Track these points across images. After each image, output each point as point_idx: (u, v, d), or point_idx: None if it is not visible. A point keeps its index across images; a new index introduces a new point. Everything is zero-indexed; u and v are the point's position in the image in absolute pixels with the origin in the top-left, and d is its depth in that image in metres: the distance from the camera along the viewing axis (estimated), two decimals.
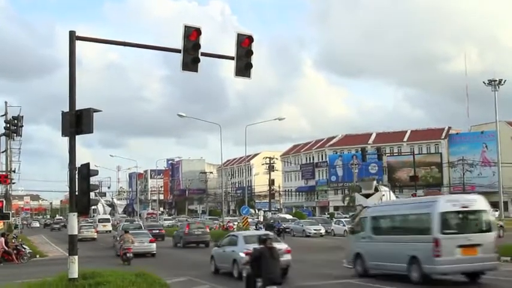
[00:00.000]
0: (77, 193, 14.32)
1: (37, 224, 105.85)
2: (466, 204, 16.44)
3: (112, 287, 13.64)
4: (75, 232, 14.69)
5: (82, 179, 14.39)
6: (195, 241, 38.56)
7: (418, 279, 16.01)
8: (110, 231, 59.92)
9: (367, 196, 34.52)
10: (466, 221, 16.65)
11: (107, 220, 68.45)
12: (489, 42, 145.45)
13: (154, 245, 31.71)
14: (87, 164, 14.51)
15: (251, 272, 12.50)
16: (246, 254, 16.33)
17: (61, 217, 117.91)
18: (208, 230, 41.92)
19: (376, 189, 35.70)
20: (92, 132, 14.56)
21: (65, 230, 74.27)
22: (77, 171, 14.38)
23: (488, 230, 16.37)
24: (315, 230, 48.27)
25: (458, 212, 16.33)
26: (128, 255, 26.30)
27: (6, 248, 29.54)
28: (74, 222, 14.62)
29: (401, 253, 16.59)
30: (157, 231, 46.15)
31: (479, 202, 16.82)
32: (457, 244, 15.51)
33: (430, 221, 15.91)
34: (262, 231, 25.50)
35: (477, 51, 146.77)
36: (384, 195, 35.07)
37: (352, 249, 19.35)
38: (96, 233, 54.12)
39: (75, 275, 14.06)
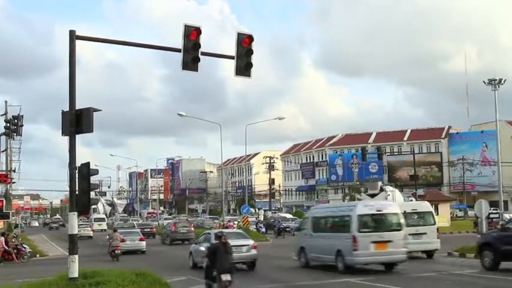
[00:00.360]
0: (77, 192, 14.34)
1: (36, 224, 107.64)
2: (379, 208, 20.10)
3: (112, 286, 13.64)
4: (76, 231, 14.69)
5: (82, 178, 14.39)
6: (180, 238, 40.93)
7: (342, 268, 19.18)
8: (105, 230, 61.87)
9: (373, 196, 35.67)
10: (379, 222, 19.81)
11: (102, 219, 71.67)
12: (488, 42, 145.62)
13: (144, 243, 33.59)
14: (87, 164, 14.51)
15: (209, 263, 14.41)
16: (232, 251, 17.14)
17: (59, 216, 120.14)
18: (192, 228, 43.82)
19: (382, 190, 36.65)
20: (92, 131, 14.57)
21: (62, 229, 78.63)
22: (77, 171, 14.39)
23: (398, 229, 19.53)
24: None
25: (372, 215, 19.78)
26: (116, 252, 28.30)
27: (7, 248, 29.53)
28: (74, 222, 14.63)
29: (331, 247, 19.86)
30: (149, 229, 50.89)
31: (391, 207, 20.78)
32: (371, 240, 18.84)
33: (351, 222, 19.26)
34: (228, 230, 29.84)
35: (476, 50, 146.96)
36: (389, 195, 35.61)
37: (298, 244, 22.79)
38: (92, 232, 56.48)
39: (76, 275, 14.07)
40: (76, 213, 14.50)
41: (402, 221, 19.98)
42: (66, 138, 14.76)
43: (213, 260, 14.25)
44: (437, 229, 24.93)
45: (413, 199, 43.98)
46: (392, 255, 19.21)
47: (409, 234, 21.35)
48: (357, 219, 19.15)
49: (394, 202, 23.95)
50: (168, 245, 40.97)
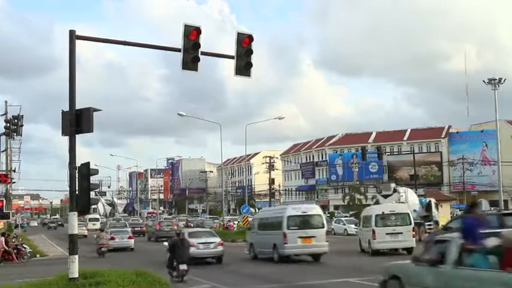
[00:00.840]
0: (77, 192, 14.34)
1: (35, 223, 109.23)
2: (305, 210, 25.05)
3: (112, 286, 13.63)
4: (76, 231, 14.66)
5: (82, 178, 14.38)
6: (164, 236, 42.40)
7: (277, 259, 23.80)
8: (102, 230, 63.73)
9: (386, 197, 37.80)
10: (305, 221, 24.24)
11: (97, 219, 75.07)
12: (488, 41, 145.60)
13: (132, 240, 36.85)
14: (87, 163, 14.51)
15: (170, 255, 18.60)
16: (189, 245, 21.35)
17: (57, 216, 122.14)
18: (175, 227, 47.04)
19: (395, 191, 38.16)
20: (92, 131, 14.59)
21: (60, 228, 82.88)
22: (77, 171, 14.39)
23: (321, 227, 24.21)
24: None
25: (299, 216, 24.35)
26: (102, 249, 31.07)
27: (6, 248, 29.51)
28: (74, 222, 14.61)
29: (269, 242, 24.46)
30: (139, 228, 55.81)
31: (315, 209, 25.96)
32: (298, 236, 23.44)
33: (282, 222, 23.75)
34: (199, 229, 35.17)
35: (476, 49, 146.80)
36: (402, 195, 37.12)
37: (249, 241, 27.60)
38: (86, 231, 58.90)
39: (76, 275, 14.06)
40: (76, 213, 14.51)
41: (324, 220, 24.93)
42: (66, 138, 14.75)
43: (172, 253, 18.36)
44: (413, 229, 27.13)
45: (428, 199, 44.41)
46: (316, 247, 23.80)
47: (386, 234, 25.78)
48: (286, 220, 23.72)
49: (314, 205, 29.63)
50: (153, 242, 44.51)
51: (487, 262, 9.40)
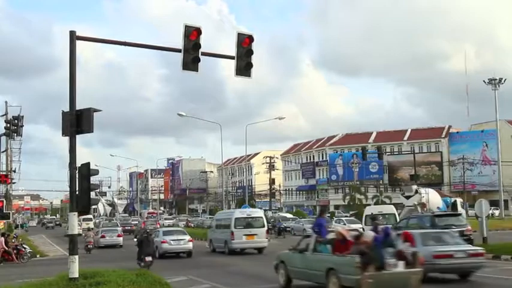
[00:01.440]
0: (77, 192, 14.34)
1: (34, 223, 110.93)
2: (249, 214, 31.39)
3: (112, 286, 13.62)
4: (76, 232, 14.68)
5: (82, 178, 14.37)
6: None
7: (227, 252, 29.24)
8: (92, 228, 66.76)
9: (408, 198, 39.51)
10: (249, 222, 30.03)
11: (90, 219, 79.50)
12: (487, 41, 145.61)
13: (121, 238, 41.46)
14: (88, 164, 14.50)
15: (139, 249, 23.23)
16: (162, 242, 28.84)
17: (54, 216, 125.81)
18: (159, 226, 54.64)
19: (416, 192, 39.41)
20: (93, 131, 14.58)
21: (58, 228, 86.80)
22: (77, 171, 14.39)
23: (262, 227, 29.94)
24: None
25: (244, 218, 30.23)
26: (88, 246, 35.49)
27: (6, 248, 29.51)
28: (74, 222, 14.62)
29: (222, 238, 30.22)
30: (129, 227, 60.81)
31: (258, 212, 32.36)
32: (243, 234, 29.17)
33: (231, 222, 29.52)
34: (171, 228, 41.73)
35: (475, 49, 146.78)
36: (423, 196, 38.42)
37: (209, 237, 33.42)
38: (81, 230, 59.55)
39: (76, 275, 14.06)
40: (76, 213, 14.51)
41: (265, 222, 30.90)
42: (66, 139, 14.75)
43: (140, 247, 23.13)
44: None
45: (454, 199, 45.53)
46: (258, 243, 29.59)
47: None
48: (234, 221, 29.48)
49: (258, 209, 37.57)
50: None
51: (326, 249, 14.36)
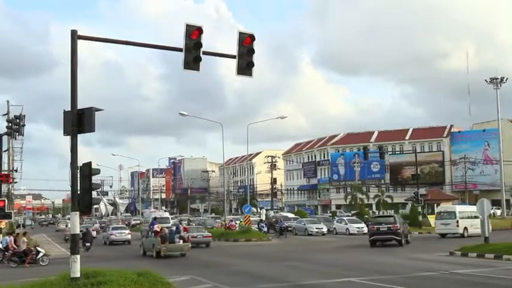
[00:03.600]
0: (79, 192, 14.32)
1: (31, 222, 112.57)
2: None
3: (114, 286, 13.58)
4: (78, 231, 14.68)
5: (84, 178, 14.35)
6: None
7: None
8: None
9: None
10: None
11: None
12: (487, 39, 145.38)
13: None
14: (89, 163, 14.47)
15: (82, 238, 30.55)
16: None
17: (49, 216, 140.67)
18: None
19: None
20: (94, 131, 14.52)
21: (51, 226, 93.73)
22: (78, 170, 14.36)
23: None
24: (317, 228, 48.30)
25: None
26: (66, 238, 42.58)
27: (15, 247, 28.82)
28: (76, 221, 14.60)
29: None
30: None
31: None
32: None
33: None
34: (117, 224, 53.83)
35: (474, 48, 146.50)
36: None
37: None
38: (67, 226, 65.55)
39: (78, 274, 14.04)
40: (78, 213, 14.49)
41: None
42: (66, 138, 14.70)
43: (83, 236, 33.47)
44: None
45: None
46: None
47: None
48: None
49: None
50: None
51: (152, 235, 31.72)
